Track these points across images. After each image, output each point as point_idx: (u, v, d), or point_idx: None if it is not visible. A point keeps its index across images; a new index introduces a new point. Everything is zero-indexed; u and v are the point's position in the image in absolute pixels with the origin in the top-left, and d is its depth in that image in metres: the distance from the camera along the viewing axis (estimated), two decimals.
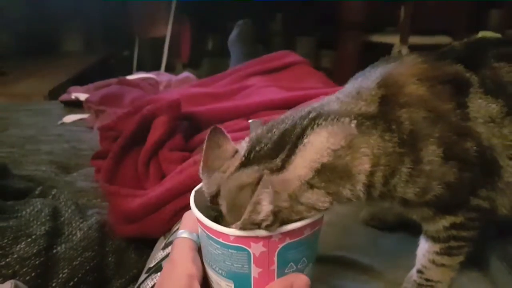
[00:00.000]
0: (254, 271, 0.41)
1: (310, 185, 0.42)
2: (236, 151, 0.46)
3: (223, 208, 0.42)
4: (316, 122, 0.44)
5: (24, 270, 0.65)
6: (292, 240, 0.41)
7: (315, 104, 0.48)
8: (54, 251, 0.70)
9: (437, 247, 0.52)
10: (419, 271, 0.54)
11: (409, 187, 0.46)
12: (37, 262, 0.66)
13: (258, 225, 0.39)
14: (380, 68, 0.49)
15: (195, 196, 0.45)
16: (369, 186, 0.45)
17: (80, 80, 1.73)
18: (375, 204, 0.51)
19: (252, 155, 0.44)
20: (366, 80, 0.48)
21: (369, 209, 0.68)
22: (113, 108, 1.23)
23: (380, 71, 0.49)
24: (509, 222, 0.55)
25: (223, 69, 1.43)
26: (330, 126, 0.43)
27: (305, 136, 0.43)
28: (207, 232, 0.41)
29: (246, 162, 0.44)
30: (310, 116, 0.45)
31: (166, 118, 0.90)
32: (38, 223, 0.72)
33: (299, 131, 0.44)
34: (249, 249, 0.40)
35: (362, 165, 0.44)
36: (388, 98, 0.46)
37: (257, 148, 0.44)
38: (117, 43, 2.97)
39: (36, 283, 0.65)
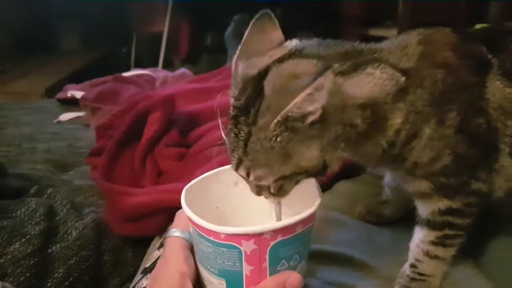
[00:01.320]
0: (246, 269, 0.41)
1: (358, 110, 0.43)
2: (283, 42, 0.47)
3: (268, 88, 0.41)
4: (380, 64, 0.45)
5: (18, 270, 0.64)
6: (284, 237, 0.40)
7: (374, 46, 0.49)
8: (49, 250, 0.70)
9: (432, 235, 0.52)
10: (412, 265, 0.54)
11: (426, 152, 0.47)
12: (31, 262, 0.66)
13: (301, 119, 0.39)
14: (420, 30, 0.52)
15: (186, 194, 0.45)
16: (391, 143, 0.47)
17: (78, 78, 1.71)
18: (381, 168, 0.52)
19: (306, 51, 0.44)
20: (409, 36, 0.50)
21: (366, 204, 0.68)
22: (109, 105, 1.22)
23: (420, 31, 0.51)
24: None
25: (222, 65, 1.42)
26: (391, 73, 0.45)
27: (368, 66, 0.45)
28: (198, 230, 0.41)
29: (299, 55, 0.44)
30: (375, 56, 0.46)
31: (160, 113, 0.90)
32: (33, 222, 0.72)
33: (361, 60, 0.45)
34: (240, 247, 0.39)
35: (395, 119, 0.46)
36: (426, 55, 0.48)
37: (314, 48, 0.45)
38: (114, 40, 2.95)
39: (31, 283, 0.65)
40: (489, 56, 0.50)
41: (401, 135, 0.46)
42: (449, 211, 0.50)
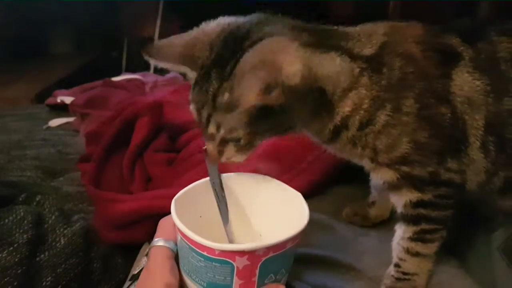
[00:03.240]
0: (236, 283, 0.41)
1: (312, 87, 0.46)
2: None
3: (248, 54, 0.43)
4: (342, 54, 0.48)
5: (5, 280, 0.63)
6: (275, 253, 0.41)
7: (342, 30, 0.52)
8: (37, 259, 0.69)
9: (410, 231, 0.53)
10: (396, 265, 0.54)
11: (381, 138, 0.48)
12: (19, 271, 0.65)
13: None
14: (390, 22, 0.53)
15: (176, 205, 0.45)
16: (341, 127, 0.49)
17: (69, 82, 1.70)
18: (343, 152, 0.54)
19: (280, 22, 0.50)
20: (377, 27, 0.52)
21: (352, 206, 0.68)
22: (98, 111, 1.22)
23: (389, 24, 0.53)
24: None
25: None
26: (348, 64, 0.48)
27: (331, 51, 0.47)
28: (189, 244, 0.41)
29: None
30: (341, 44, 0.49)
31: (148, 119, 0.89)
32: (21, 231, 0.71)
33: (327, 37, 0.49)
34: (233, 263, 0.40)
35: (344, 108, 0.48)
36: (388, 44, 0.50)
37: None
38: (105, 44, 2.94)
39: None
40: (461, 48, 0.50)
41: (355, 120, 0.48)
42: (421, 203, 0.51)
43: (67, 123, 1.32)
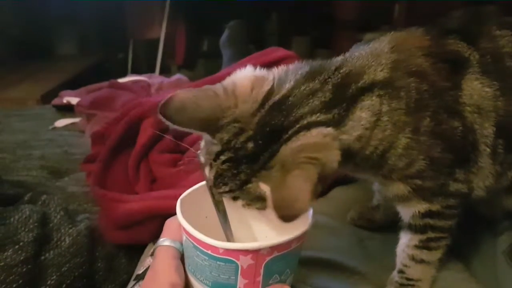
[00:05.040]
0: (240, 282, 0.41)
1: (356, 143, 0.45)
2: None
3: (285, 149, 0.40)
4: (364, 99, 0.45)
5: (11, 278, 0.64)
6: (279, 253, 0.41)
7: (355, 68, 0.47)
8: (42, 257, 0.70)
9: (416, 239, 0.52)
10: (400, 271, 0.54)
11: (401, 159, 0.47)
12: (24, 270, 0.65)
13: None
14: (391, 35, 0.51)
15: (181, 205, 0.45)
16: (361, 161, 0.47)
17: (75, 84, 1.71)
18: (356, 173, 0.52)
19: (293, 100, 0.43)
20: (380, 44, 0.49)
21: (357, 209, 0.68)
22: (104, 111, 1.23)
23: (392, 37, 0.50)
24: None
25: (218, 70, 1.42)
26: (371, 110, 0.45)
27: (357, 107, 0.45)
28: (194, 243, 0.41)
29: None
30: (359, 85, 0.46)
31: (153, 119, 0.90)
32: (26, 229, 0.72)
33: (349, 95, 0.45)
34: (237, 262, 0.40)
35: (367, 149, 0.46)
36: (399, 63, 0.47)
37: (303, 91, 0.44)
38: (111, 46, 2.96)
39: None
40: (468, 52, 0.49)
41: (377, 151, 0.47)
42: (429, 214, 0.51)
43: (73, 123, 1.33)
